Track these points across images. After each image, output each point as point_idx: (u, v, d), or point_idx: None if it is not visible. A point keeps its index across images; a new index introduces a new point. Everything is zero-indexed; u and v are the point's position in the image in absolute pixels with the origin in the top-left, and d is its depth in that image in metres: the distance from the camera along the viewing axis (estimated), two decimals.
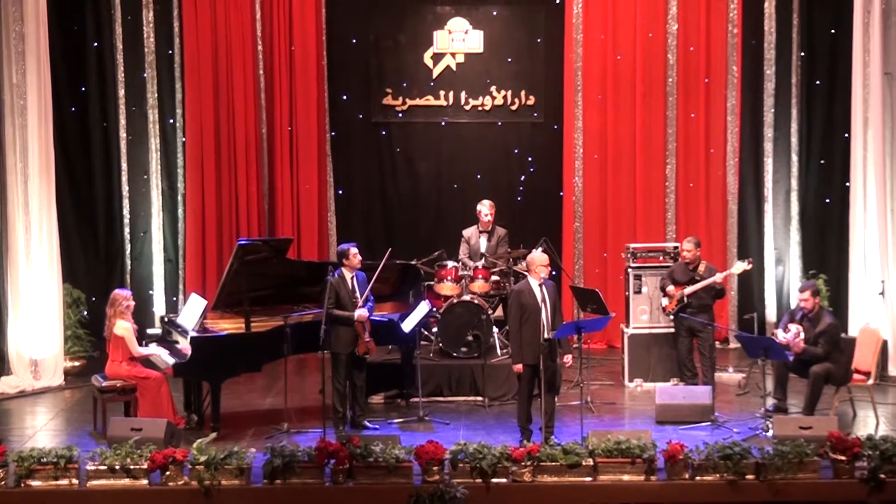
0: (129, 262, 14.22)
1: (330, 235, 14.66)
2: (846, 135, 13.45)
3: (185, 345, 10.49)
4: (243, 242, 10.81)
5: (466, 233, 12.85)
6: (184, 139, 14.23)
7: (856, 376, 10.86)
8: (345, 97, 14.69)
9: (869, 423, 10.71)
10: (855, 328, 12.49)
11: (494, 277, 12.33)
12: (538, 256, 10.06)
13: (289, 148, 14.48)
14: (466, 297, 12.01)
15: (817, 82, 14.07)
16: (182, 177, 14.29)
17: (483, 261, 12.40)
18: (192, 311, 10.79)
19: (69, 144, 13.89)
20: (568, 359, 9.96)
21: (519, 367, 9.87)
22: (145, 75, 14.13)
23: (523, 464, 8.88)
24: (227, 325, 10.88)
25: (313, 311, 10.83)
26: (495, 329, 12.13)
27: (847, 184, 13.39)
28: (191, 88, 14.13)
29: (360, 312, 10.39)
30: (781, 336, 10.75)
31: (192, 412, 10.94)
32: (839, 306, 13.06)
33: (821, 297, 11.07)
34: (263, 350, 10.54)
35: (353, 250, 10.56)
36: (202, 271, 14.19)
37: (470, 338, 11.83)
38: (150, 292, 14.22)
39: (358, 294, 10.50)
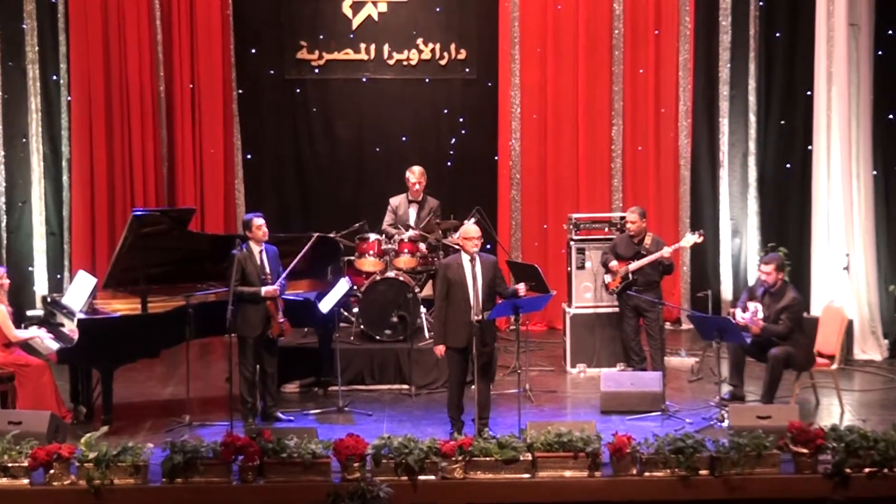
0: (4, 235, 13.99)
1: (238, 205, 14.58)
2: (808, 92, 13.58)
3: (71, 328, 10.38)
4: (139, 213, 10.74)
5: (394, 201, 12.79)
6: (69, 98, 14.01)
7: (819, 360, 10.95)
8: (253, 51, 14.58)
9: (833, 412, 10.84)
10: (818, 307, 12.62)
11: (422, 251, 12.29)
12: (463, 228, 10.19)
13: (190, 107, 14.37)
14: (390, 274, 11.98)
15: (777, 34, 14.16)
16: (67, 140, 14.06)
17: (409, 233, 12.36)
18: (80, 290, 10.68)
19: None
20: (521, 287, 9.98)
21: (440, 349, 9.90)
22: (24, 26, 13.86)
23: (454, 459, 8.86)
24: (121, 306, 10.79)
25: (219, 289, 10.76)
26: (423, 309, 12.12)
27: (809, 147, 13.52)
28: (77, 41, 13.89)
29: (269, 288, 10.33)
30: (740, 316, 10.82)
31: (80, 403, 10.80)
32: (800, 282, 13.16)
33: (784, 272, 11.15)
34: (162, 333, 10.48)
35: (258, 221, 10.47)
36: (91, 246, 14.01)
37: (395, 319, 11.81)
38: (30, 269, 13.99)
39: (268, 270, 10.42)
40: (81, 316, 10.30)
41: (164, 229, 10.75)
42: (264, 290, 10.32)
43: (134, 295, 10.71)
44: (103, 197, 14.02)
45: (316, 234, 11.11)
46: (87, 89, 13.94)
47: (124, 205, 13.99)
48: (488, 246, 13.48)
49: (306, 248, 10.86)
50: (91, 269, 12.36)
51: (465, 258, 9.87)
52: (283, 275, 10.52)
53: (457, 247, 11.68)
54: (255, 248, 10.44)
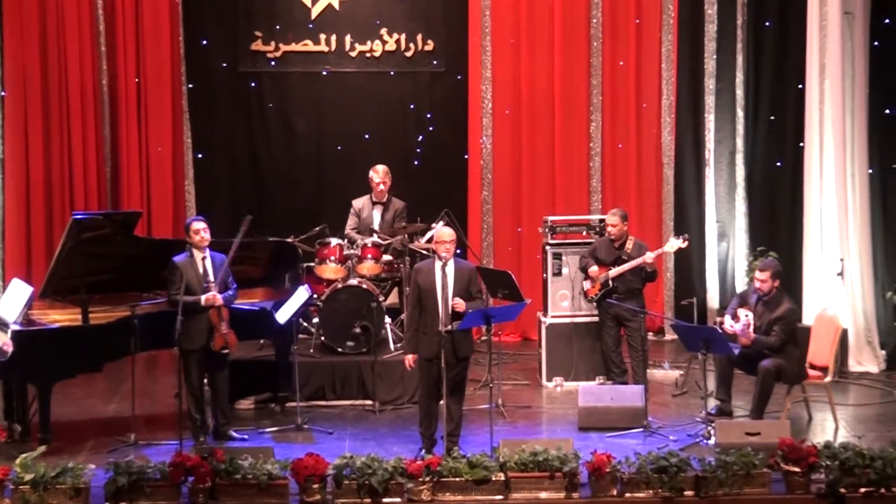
0: None
1: (188, 208, 14.55)
2: (800, 86, 13.62)
3: (4, 340, 10.21)
4: (79, 217, 10.68)
5: (357, 203, 12.75)
6: (3, 93, 13.97)
7: (811, 372, 10.98)
8: (204, 42, 14.57)
9: (827, 428, 10.87)
10: (810, 315, 12.64)
11: (386, 257, 12.26)
12: (435, 232, 10.11)
13: (136, 103, 14.36)
14: (353, 282, 11.95)
15: (767, 24, 14.22)
16: (0, 139, 13.97)
17: (373, 237, 12.32)
18: (14, 299, 10.52)
19: None
20: (458, 302, 9.77)
21: (408, 358, 9.90)
22: None
23: (421, 479, 8.85)
24: (60, 317, 10.73)
25: (166, 298, 10.69)
26: (388, 319, 12.10)
27: (801, 144, 13.57)
28: (11, 32, 13.87)
29: (209, 295, 10.27)
30: (729, 324, 10.81)
31: (15, 421, 10.68)
32: (792, 290, 13.11)
33: (780, 280, 11.13)
34: (105, 346, 10.42)
35: (196, 225, 10.43)
36: (26, 252, 13.99)
37: (357, 330, 11.79)
38: None
39: (212, 278, 10.35)
40: (16, 327, 10.17)
41: (106, 234, 10.69)
42: (204, 297, 10.25)
43: (74, 305, 10.65)
44: (40, 199, 13.98)
45: (248, 217, 10.95)
46: (22, 84, 13.91)
47: (63, 208, 13.97)
48: (458, 251, 13.47)
49: (241, 231, 10.70)
50: (27, 276, 12.36)
51: (437, 264, 9.83)
52: (223, 273, 10.40)
53: (424, 252, 11.70)
54: (198, 255, 10.39)
